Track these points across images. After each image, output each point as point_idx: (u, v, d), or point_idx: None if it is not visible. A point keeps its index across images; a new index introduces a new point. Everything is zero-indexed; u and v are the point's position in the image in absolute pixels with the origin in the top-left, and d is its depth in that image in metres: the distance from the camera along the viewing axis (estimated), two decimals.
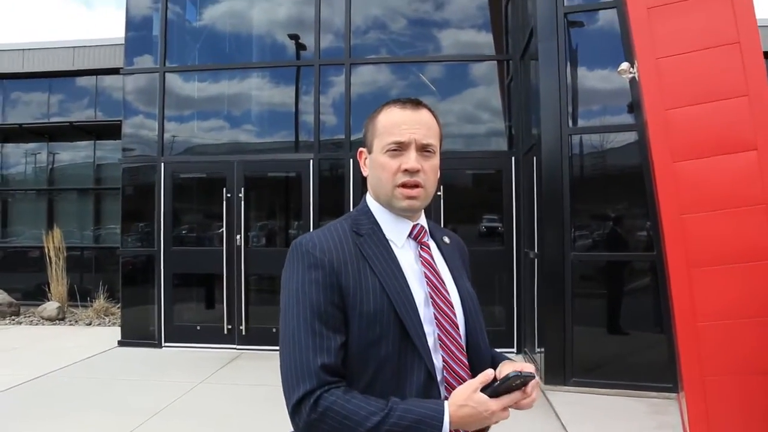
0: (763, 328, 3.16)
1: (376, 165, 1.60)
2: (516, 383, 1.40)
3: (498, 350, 1.81)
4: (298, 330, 1.46)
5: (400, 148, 1.56)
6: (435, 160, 1.61)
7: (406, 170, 1.55)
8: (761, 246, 3.17)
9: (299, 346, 1.45)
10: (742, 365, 3.20)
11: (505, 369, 1.47)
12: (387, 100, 1.67)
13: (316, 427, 1.40)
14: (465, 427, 1.41)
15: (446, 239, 1.76)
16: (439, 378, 1.50)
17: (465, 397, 1.40)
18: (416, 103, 1.61)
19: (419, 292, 1.54)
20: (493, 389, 1.40)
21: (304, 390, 1.40)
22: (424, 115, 1.61)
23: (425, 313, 1.52)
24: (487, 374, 1.40)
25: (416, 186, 1.57)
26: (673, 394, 5.51)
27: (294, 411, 1.42)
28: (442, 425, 1.36)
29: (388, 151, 1.57)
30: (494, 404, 1.38)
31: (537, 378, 1.44)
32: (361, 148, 1.70)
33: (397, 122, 1.58)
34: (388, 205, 1.61)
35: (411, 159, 1.55)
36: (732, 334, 3.20)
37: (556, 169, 6.61)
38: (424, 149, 1.58)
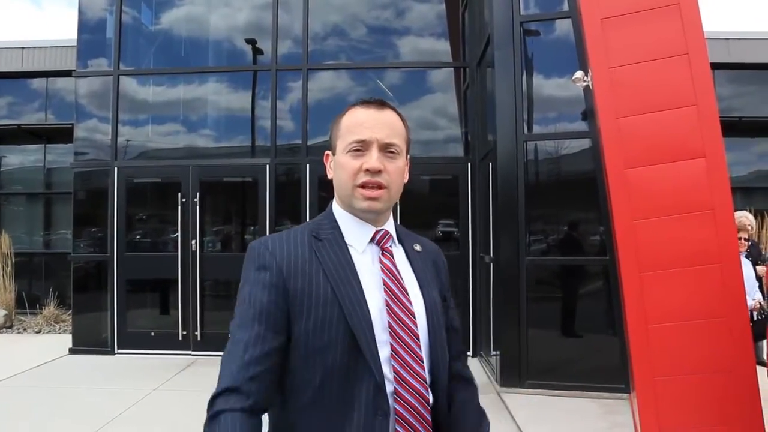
0: (710, 330, 3.27)
1: (338, 165, 1.57)
2: None
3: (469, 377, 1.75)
4: (239, 329, 1.46)
5: (362, 147, 1.52)
6: (400, 162, 1.57)
7: (367, 170, 1.51)
8: (708, 250, 3.28)
9: (235, 344, 1.45)
10: (691, 366, 3.30)
11: None
12: (347, 105, 1.65)
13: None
14: None
15: (417, 247, 1.70)
16: (389, 389, 1.46)
17: None
18: (380, 103, 1.57)
19: (377, 299, 1.50)
20: None
21: (222, 386, 1.42)
22: (388, 114, 1.57)
23: (380, 320, 1.48)
24: None
25: (378, 187, 1.52)
26: (625, 395, 5.65)
27: (209, 402, 1.44)
28: None
29: (350, 151, 1.53)
30: None
31: None
32: (327, 152, 1.66)
33: (359, 121, 1.54)
34: (350, 207, 1.57)
35: (373, 158, 1.51)
36: (681, 335, 3.30)
37: (512, 175, 6.72)
38: (387, 149, 1.53)
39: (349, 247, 1.55)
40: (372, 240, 1.58)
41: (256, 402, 1.41)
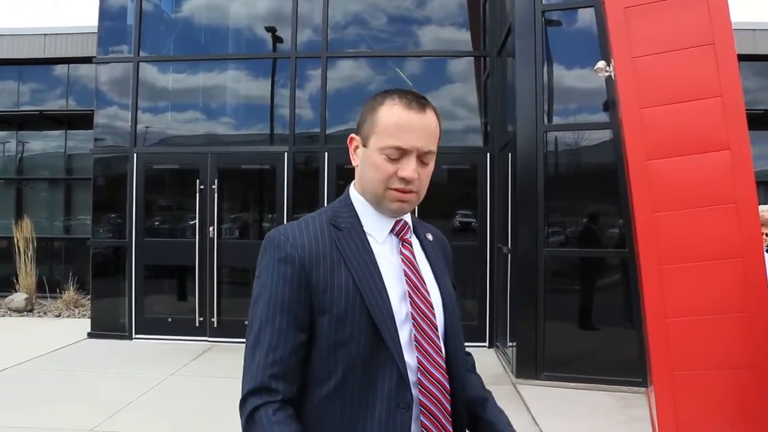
0: (731, 325, 3.23)
1: (370, 162, 1.50)
2: None
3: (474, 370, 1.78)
4: (261, 324, 1.43)
5: (399, 155, 1.47)
6: (431, 166, 1.53)
7: (402, 178, 1.47)
8: (730, 244, 3.23)
9: (257, 341, 1.43)
10: (711, 361, 3.26)
11: None
12: (388, 90, 1.54)
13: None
14: None
15: (429, 236, 1.69)
16: (412, 379, 1.45)
17: None
18: (422, 105, 1.49)
19: (396, 288, 1.48)
20: None
21: (249, 388, 1.41)
22: (429, 118, 1.49)
23: (401, 310, 1.47)
24: None
25: (410, 192, 1.49)
26: (643, 389, 5.60)
27: (240, 405, 1.44)
28: None
29: (386, 154, 1.47)
30: None
31: None
32: (353, 135, 1.58)
33: (400, 125, 1.46)
34: (376, 203, 1.53)
35: (410, 168, 1.46)
36: (701, 330, 3.26)
37: (531, 166, 6.67)
38: (423, 157, 1.49)
39: (368, 237, 1.53)
40: (391, 231, 1.56)
41: (287, 397, 1.42)
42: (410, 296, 1.49)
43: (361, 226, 1.54)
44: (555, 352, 6.55)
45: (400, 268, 1.52)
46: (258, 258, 1.51)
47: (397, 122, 1.46)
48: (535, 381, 6.44)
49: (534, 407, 5.68)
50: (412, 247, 1.59)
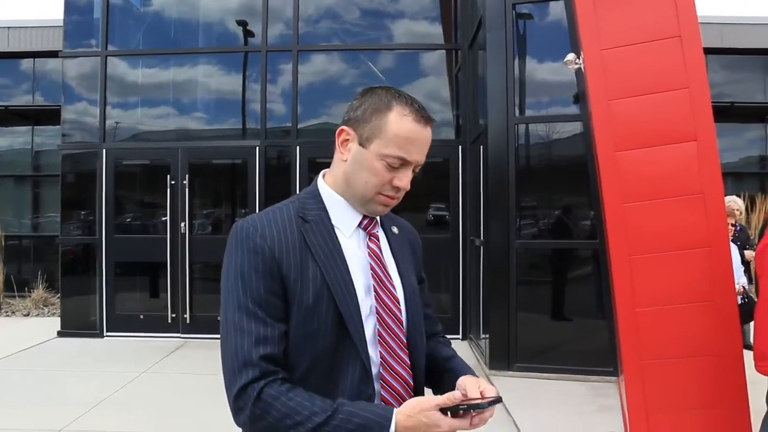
0: (699, 313, 3.27)
1: (367, 166, 1.49)
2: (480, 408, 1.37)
3: (446, 338, 1.80)
4: (240, 317, 1.41)
5: (401, 165, 1.49)
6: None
7: (396, 186, 1.50)
8: (697, 234, 3.28)
9: (240, 334, 1.40)
10: (679, 349, 3.30)
11: (470, 387, 1.44)
12: (391, 90, 1.53)
13: (257, 420, 1.36)
14: None
15: (395, 229, 1.69)
16: (374, 372, 1.46)
17: (417, 409, 1.35)
18: (428, 119, 1.51)
19: (362, 282, 1.49)
20: (453, 411, 1.36)
21: (245, 380, 1.36)
22: (430, 132, 1.53)
23: (366, 304, 1.48)
24: (454, 397, 1.35)
25: (397, 198, 1.54)
26: (614, 378, 5.67)
27: (236, 401, 1.38)
28: None
29: (387, 162, 1.48)
30: (445, 423, 1.33)
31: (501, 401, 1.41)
32: (345, 127, 1.53)
33: (409, 138, 1.47)
34: (359, 203, 1.54)
35: (406, 179, 1.50)
36: (669, 319, 3.30)
37: (502, 158, 6.70)
38: (416, 167, 1.53)
39: (336, 230, 1.52)
40: (359, 224, 1.56)
41: (285, 377, 1.41)
42: (375, 290, 1.50)
43: (329, 219, 1.53)
44: (527, 343, 6.60)
45: (367, 261, 1.53)
46: (225, 250, 1.49)
47: (408, 136, 1.47)
48: (508, 372, 6.49)
49: (507, 398, 5.70)
50: (379, 241, 1.59)
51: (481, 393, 1.41)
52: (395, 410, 1.36)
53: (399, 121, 1.47)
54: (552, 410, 5.48)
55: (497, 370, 6.54)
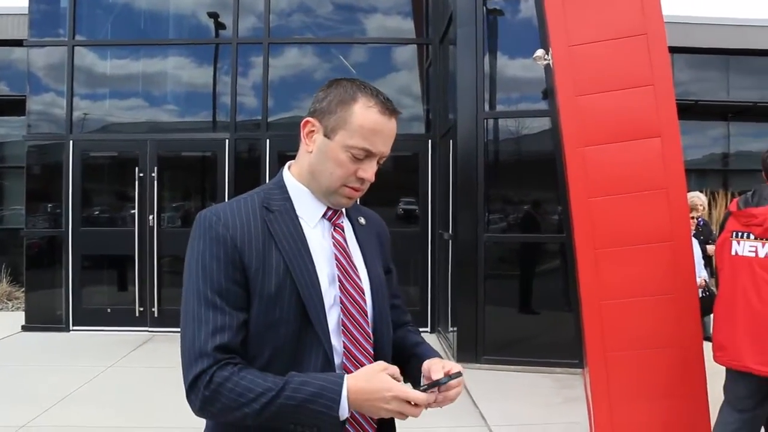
0: (661, 306, 3.35)
1: (332, 157, 1.49)
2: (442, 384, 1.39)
3: (416, 327, 1.81)
4: (198, 307, 1.42)
5: (366, 156, 1.49)
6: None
7: (360, 178, 1.50)
8: (660, 229, 3.35)
9: (197, 324, 1.41)
10: (642, 341, 3.38)
11: (434, 369, 1.46)
12: (356, 81, 1.53)
13: (210, 404, 1.37)
14: (362, 408, 1.38)
15: (362, 220, 1.69)
16: (337, 362, 1.47)
17: (367, 372, 1.38)
18: (393, 110, 1.52)
19: (326, 272, 1.50)
20: (424, 389, 1.38)
21: (198, 370, 1.37)
22: (395, 124, 1.53)
23: (330, 294, 1.49)
24: (395, 370, 1.38)
25: (362, 190, 1.55)
26: (579, 370, 5.76)
27: (189, 391, 1.39)
28: (339, 398, 1.34)
29: (352, 153, 1.48)
30: (396, 387, 1.34)
31: (462, 377, 1.43)
32: (310, 118, 1.53)
33: (374, 129, 1.48)
34: (324, 194, 1.54)
35: (371, 171, 1.50)
36: (632, 311, 3.37)
37: (471, 153, 6.75)
38: (381, 159, 1.53)
39: (300, 220, 1.53)
40: (323, 215, 1.57)
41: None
42: (340, 280, 1.51)
43: (294, 210, 1.54)
44: (495, 336, 6.67)
45: (331, 251, 1.54)
46: (189, 240, 1.49)
47: (373, 127, 1.48)
48: (476, 365, 6.55)
49: (474, 391, 5.78)
50: (343, 231, 1.60)
51: (446, 373, 1.44)
52: (346, 375, 1.38)
53: (364, 113, 1.48)
54: (518, 402, 5.54)
55: (465, 362, 6.58)
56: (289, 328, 1.43)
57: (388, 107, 1.51)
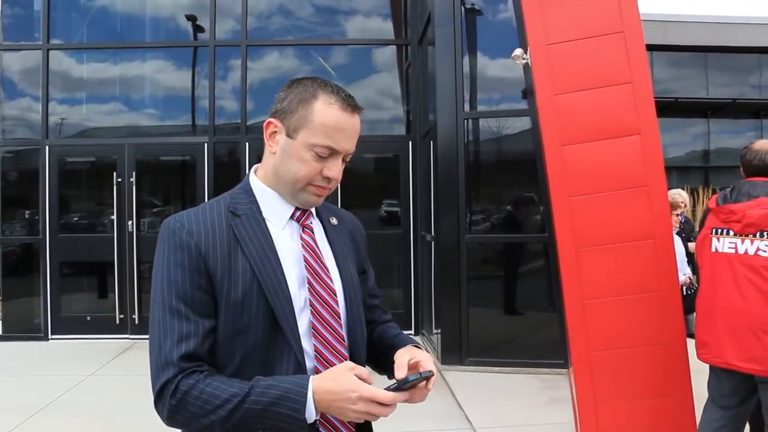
0: (644, 304, 3.34)
1: (296, 156, 1.47)
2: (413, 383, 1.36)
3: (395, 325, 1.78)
4: (164, 315, 1.40)
5: (329, 155, 1.47)
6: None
7: (326, 177, 1.48)
8: (642, 227, 3.34)
9: (163, 333, 1.39)
10: (626, 339, 3.37)
11: (399, 363, 1.44)
12: (317, 80, 1.52)
13: (177, 413, 1.36)
14: (330, 410, 1.35)
15: (333, 220, 1.66)
16: (309, 366, 1.45)
17: (333, 372, 1.36)
18: (355, 107, 1.50)
19: (295, 275, 1.47)
20: (393, 389, 1.35)
21: (165, 378, 1.35)
22: (358, 120, 1.51)
23: (300, 297, 1.47)
24: (362, 371, 1.35)
25: (328, 188, 1.52)
26: (564, 370, 5.75)
27: (156, 400, 1.37)
28: (305, 400, 1.31)
29: (315, 151, 1.46)
30: (363, 388, 1.31)
31: (435, 374, 1.41)
32: (272, 119, 1.51)
33: (336, 126, 1.45)
34: (290, 194, 1.51)
35: (336, 169, 1.48)
36: (616, 310, 3.36)
37: (452, 154, 6.73)
38: (346, 156, 1.51)
39: (268, 223, 1.50)
40: (291, 216, 1.55)
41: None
42: (310, 282, 1.49)
43: (260, 213, 1.51)
44: (479, 337, 6.65)
45: (300, 254, 1.52)
46: (156, 246, 1.47)
47: (335, 124, 1.46)
48: (460, 367, 6.52)
49: (459, 393, 5.75)
50: (313, 232, 1.58)
51: (411, 365, 1.42)
52: (311, 377, 1.36)
53: (325, 110, 1.46)
54: (504, 404, 5.53)
55: (449, 365, 6.57)
56: (258, 333, 1.41)
57: (350, 103, 1.48)
